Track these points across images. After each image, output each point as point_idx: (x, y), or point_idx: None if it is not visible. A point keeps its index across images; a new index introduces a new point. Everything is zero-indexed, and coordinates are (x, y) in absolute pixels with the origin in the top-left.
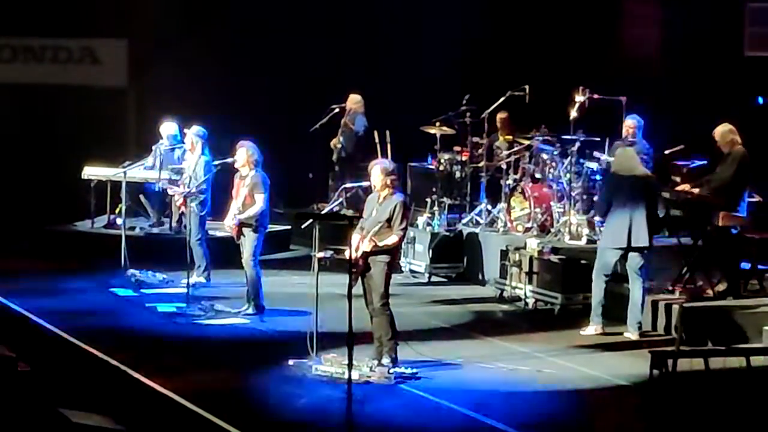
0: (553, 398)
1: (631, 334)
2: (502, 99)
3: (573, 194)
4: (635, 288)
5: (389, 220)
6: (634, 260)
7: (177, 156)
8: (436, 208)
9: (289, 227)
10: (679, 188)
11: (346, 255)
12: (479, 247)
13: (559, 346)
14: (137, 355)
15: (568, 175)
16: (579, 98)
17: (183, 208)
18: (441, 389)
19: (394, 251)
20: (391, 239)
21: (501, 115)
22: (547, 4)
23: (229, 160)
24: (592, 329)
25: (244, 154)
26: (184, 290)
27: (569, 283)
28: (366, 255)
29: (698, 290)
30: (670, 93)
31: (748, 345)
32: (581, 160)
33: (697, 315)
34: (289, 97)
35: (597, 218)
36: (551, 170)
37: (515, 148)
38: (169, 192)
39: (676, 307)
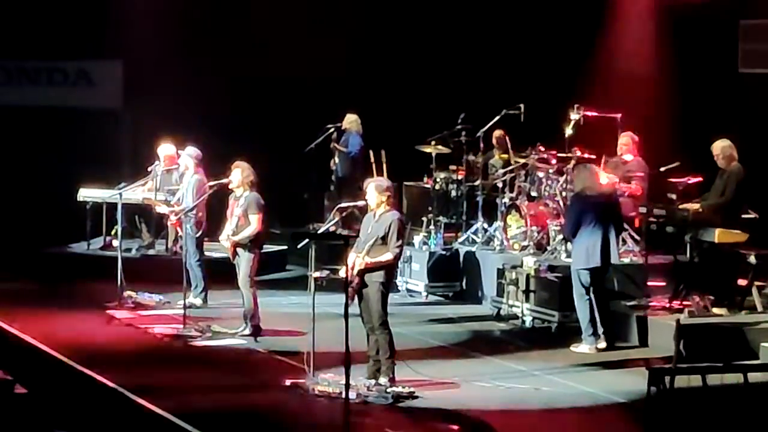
0: (551, 416)
1: (601, 344)
2: (497, 117)
3: None
4: (600, 301)
5: (384, 238)
6: (603, 276)
7: (174, 178)
8: (432, 227)
9: (285, 247)
10: (684, 206)
11: (342, 274)
12: (476, 266)
13: (556, 364)
14: (134, 377)
15: (563, 193)
16: (574, 116)
17: (178, 229)
18: (439, 408)
19: (389, 270)
20: (386, 257)
21: (497, 134)
22: (541, 22)
23: (225, 180)
24: (586, 348)
25: (239, 174)
26: (181, 311)
27: (566, 301)
28: (361, 273)
29: (695, 307)
30: (664, 110)
31: (745, 362)
32: None
33: (693, 332)
34: (285, 117)
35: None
36: (547, 188)
37: (511, 167)
38: (161, 212)
39: (672, 324)
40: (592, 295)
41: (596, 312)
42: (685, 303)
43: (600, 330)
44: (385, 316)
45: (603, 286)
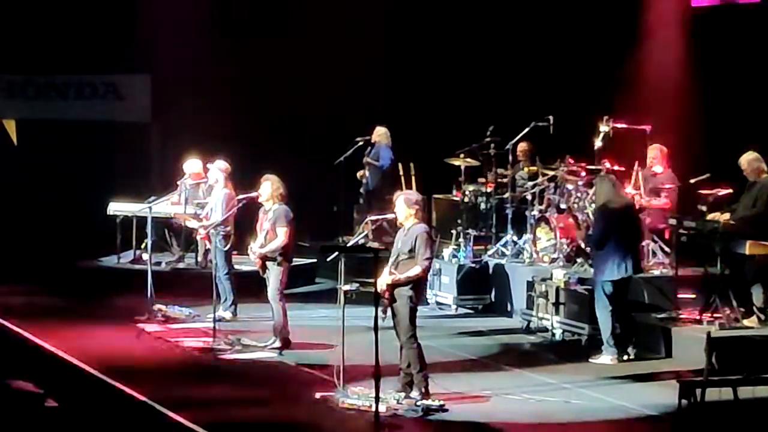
0: (582, 429)
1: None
2: (526, 130)
3: None
4: (627, 312)
5: (411, 251)
6: (626, 287)
7: (201, 191)
8: (461, 239)
9: (314, 260)
10: (710, 217)
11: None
12: (505, 279)
13: (587, 377)
14: (163, 390)
15: (593, 205)
16: (603, 128)
17: (207, 243)
18: (469, 422)
19: (418, 284)
20: (414, 271)
21: (522, 147)
22: (570, 34)
23: (254, 194)
24: (608, 359)
25: (269, 188)
26: (211, 324)
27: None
28: (390, 287)
29: (726, 319)
30: (694, 121)
31: None
32: None
33: (724, 344)
34: (314, 130)
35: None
36: (576, 200)
37: (539, 179)
38: (191, 226)
39: (698, 336)
40: (614, 306)
41: (625, 323)
42: (715, 315)
43: (632, 341)
44: (414, 330)
45: (626, 296)
